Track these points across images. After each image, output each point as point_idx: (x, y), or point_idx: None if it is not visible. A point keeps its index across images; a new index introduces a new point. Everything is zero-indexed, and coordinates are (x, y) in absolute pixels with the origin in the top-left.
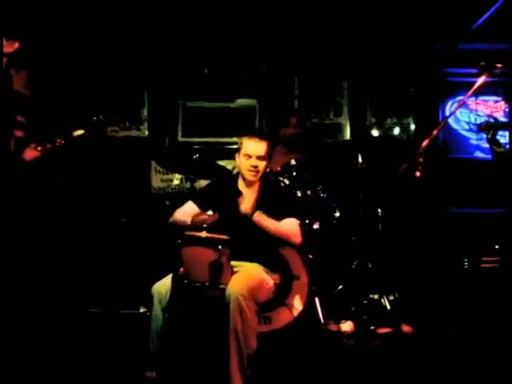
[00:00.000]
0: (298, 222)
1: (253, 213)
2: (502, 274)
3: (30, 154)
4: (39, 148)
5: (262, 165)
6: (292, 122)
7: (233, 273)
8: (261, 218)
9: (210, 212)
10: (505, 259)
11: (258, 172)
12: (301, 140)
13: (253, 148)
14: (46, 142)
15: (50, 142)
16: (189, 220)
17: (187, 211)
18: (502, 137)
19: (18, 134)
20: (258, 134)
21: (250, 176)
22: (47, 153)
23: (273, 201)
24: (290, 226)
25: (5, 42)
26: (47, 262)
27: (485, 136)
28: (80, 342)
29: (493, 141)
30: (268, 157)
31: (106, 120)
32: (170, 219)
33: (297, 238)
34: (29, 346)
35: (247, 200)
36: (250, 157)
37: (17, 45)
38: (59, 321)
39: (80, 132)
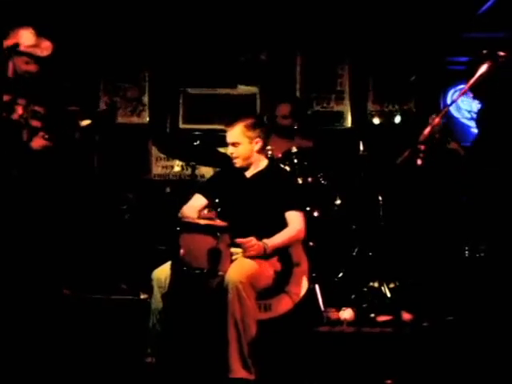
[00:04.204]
0: (301, 214)
1: (264, 247)
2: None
3: (38, 142)
4: (47, 137)
5: (237, 150)
6: (283, 111)
7: (232, 260)
8: (272, 244)
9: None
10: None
11: (237, 158)
12: (297, 128)
13: (227, 137)
14: (54, 132)
15: (57, 131)
16: (195, 216)
17: (194, 205)
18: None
19: (35, 123)
20: (229, 122)
21: (238, 164)
22: (55, 142)
23: (275, 189)
24: (293, 232)
25: (37, 41)
26: (46, 250)
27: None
28: (79, 328)
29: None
30: (245, 138)
31: (115, 106)
32: (179, 214)
33: (301, 236)
34: (24, 334)
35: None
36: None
37: (50, 46)
38: (56, 307)
39: (87, 122)
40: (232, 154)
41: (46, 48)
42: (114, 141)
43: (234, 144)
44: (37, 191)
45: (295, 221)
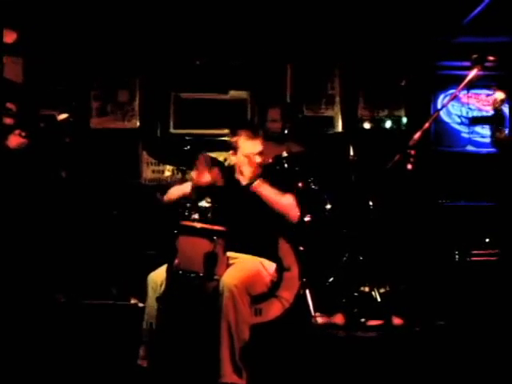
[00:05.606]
0: (293, 197)
1: (253, 181)
2: (497, 267)
3: (15, 140)
4: (23, 134)
5: (262, 158)
6: (273, 115)
7: (228, 264)
8: (261, 187)
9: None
10: (500, 252)
11: (261, 166)
12: (287, 133)
13: (253, 147)
14: (30, 128)
15: (33, 126)
16: (188, 188)
17: (182, 188)
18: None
19: (8, 121)
20: (253, 132)
21: (254, 173)
22: (32, 138)
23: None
24: (288, 200)
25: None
26: (33, 253)
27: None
28: (69, 332)
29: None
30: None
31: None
32: (165, 197)
33: (294, 212)
34: (18, 338)
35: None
36: (252, 156)
37: (15, 35)
38: (49, 311)
39: (64, 116)
40: (261, 163)
41: (10, 36)
42: (105, 145)
43: (260, 153)
44: (17, 191)
45: (288, 196)
